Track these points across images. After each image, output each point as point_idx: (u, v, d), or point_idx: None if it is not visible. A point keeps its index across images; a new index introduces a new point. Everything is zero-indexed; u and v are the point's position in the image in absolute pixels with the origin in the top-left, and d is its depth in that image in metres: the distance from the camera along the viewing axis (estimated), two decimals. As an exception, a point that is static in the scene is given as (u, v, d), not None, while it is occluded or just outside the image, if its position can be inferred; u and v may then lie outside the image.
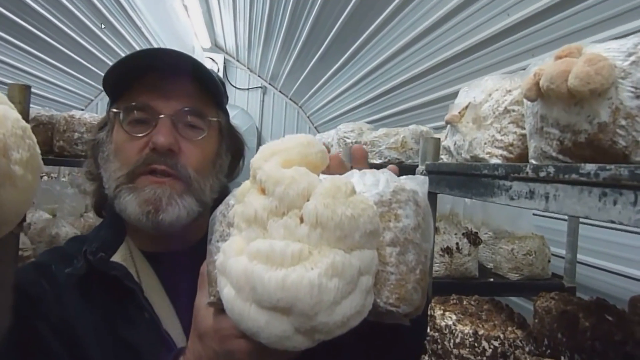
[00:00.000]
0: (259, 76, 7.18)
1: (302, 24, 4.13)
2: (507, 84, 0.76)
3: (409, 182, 0.55)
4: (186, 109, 0.82)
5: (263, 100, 7.25)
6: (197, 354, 0.59)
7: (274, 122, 7.21)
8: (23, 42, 3.84)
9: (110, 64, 0.81)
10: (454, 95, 0.90)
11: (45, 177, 3.70)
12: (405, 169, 0.66)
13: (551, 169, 0.54)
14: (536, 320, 0.84)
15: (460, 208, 2.02)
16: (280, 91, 7.16)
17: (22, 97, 0.64)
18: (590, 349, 0.71)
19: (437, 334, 0.76)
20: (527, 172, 0.58)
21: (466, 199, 2.02)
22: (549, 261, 1.79)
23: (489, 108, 0.77)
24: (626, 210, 0.43)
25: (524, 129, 0.67)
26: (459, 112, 0.84)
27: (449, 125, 0.89)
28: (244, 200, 0.50)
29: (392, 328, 0.54)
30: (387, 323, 0.51)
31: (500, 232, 1.88)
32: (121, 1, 4.16)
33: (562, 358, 0.75)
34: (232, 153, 0.95)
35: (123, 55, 0.88)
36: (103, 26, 4.39)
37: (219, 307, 0.53)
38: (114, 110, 0.83)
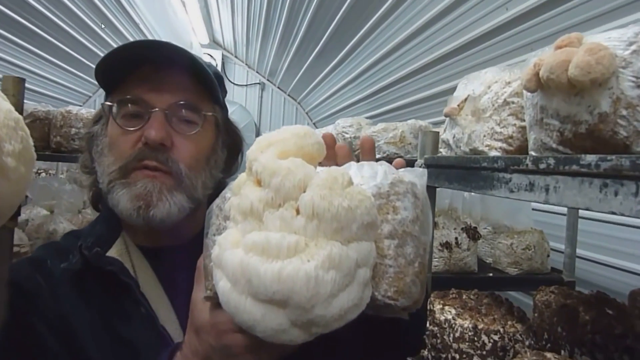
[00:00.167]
0: (257, 72, 7.17)
1: (300, 19, 4.12)
2: (506, 76, 0.75)
3: (407, 174, 0.55)
4: (180, 102, 0.81)
5: (261, 97, 7.23)
6: (194, 348, 0.59)
7: (273, 118, 7.20)
8: (20, 38, 3.82)
9: (107, 59, 0.80)
10: (453, 90, 0.90)
11: (44, 174, 3.69)
12: (403, 163, 0.65)
13: (551, 161, 0.53)
14: (536, 314, 0.84)
15: (459, 203, 2.02)
16: (278, 87, 7.14)
17: (16, 89, 0.63)
18: (590, 342, 0.71)
19: (436, 328, 0.75)
20: (526, 164, 0.58)
21: (465, 194, 2.01)
22: (548, 256, 1.79)
23: (488, 100, 0.76)
24: (627, 201, 0.43)
25: (524, 121, 0.66)
26: (458, 105, 0.83)
27: (447, 118, 0.88)
28: (240, 192, 0.49)
29: (391, 322, 0.53)
30: (386, 317, 0.50)
31: (499, 227, 1.88)
32: (119, -3, 4.15)
33: (562, 352, 0.74)
34: (229, 148, 0.93)
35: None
36: (103, 26, 4.37)
37: (215, 301, 0.53)
38: (108, 103, 0.82)
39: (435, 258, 1.65)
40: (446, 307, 0.77)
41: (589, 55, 0.48)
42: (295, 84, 6.37)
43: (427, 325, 0.78)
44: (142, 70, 0.80)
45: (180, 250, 0.82)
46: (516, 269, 1.73)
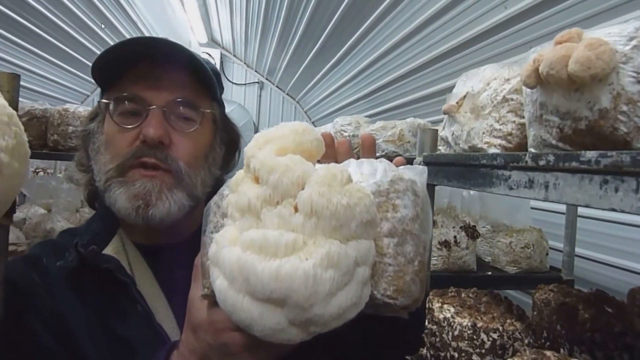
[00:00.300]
0: (255, 71, 7.16)
1: (298, 18, 4.11)
2: (505, 73, 0.74)
3: (407, 172, 0.54)
4: (178, 99, 0.80)
5: (260, 96, 7.23)
6: (191, 347, 0.58)
7: (271, 117, 7.19)
8: (18, 36, 3.81)
9: (104, 58, 0.79)
10: (452, 89, 0.89)
11: (41, 172, 3.68)
12: (402, 161, 0.64)
13: (551, 157, 0.53)
14: (535, 313, 0.83)
15: (458, 201, 2.02)
16: (277, 86, 7.14)
17: (10, 85, 0.62)
18: (589, 340, 0.70)
19: (435, 326, 0.75)
20: (526, 161, 0.57)
21: (464, 192, 2.01)
22: (547, 254, 1.79)
23: (487, 97, 0.75)
24: (628, 197, 0.42)
25: (523, 117, 0.66)
26: (457, 102, 0.82)
27: (446, 116, 0.87)
28: (237, 189, 0.49)
29: (390, 321, 0.53)
30: (385, 316, 0.50)
31: (498, 226, 1.88)
32: (117, -4, 4.14)
33: (562, 350, 0.74)
34: (227, 145, 0.93)
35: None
36: (103, 26, 4.36)
37: (213, 299, 0.52)
38: (104, 100, 0.81)
39: (434, 257, 1.65)
40: (445, 306, 0.76)
41: (589, 50, 0.47)
42: (293, 82, 6.36)
43: (426, 323, 0.77)
44: (139, 67, 0.79)
45: (177, 248, 0.81)
46: (515, 268, 1.73)
